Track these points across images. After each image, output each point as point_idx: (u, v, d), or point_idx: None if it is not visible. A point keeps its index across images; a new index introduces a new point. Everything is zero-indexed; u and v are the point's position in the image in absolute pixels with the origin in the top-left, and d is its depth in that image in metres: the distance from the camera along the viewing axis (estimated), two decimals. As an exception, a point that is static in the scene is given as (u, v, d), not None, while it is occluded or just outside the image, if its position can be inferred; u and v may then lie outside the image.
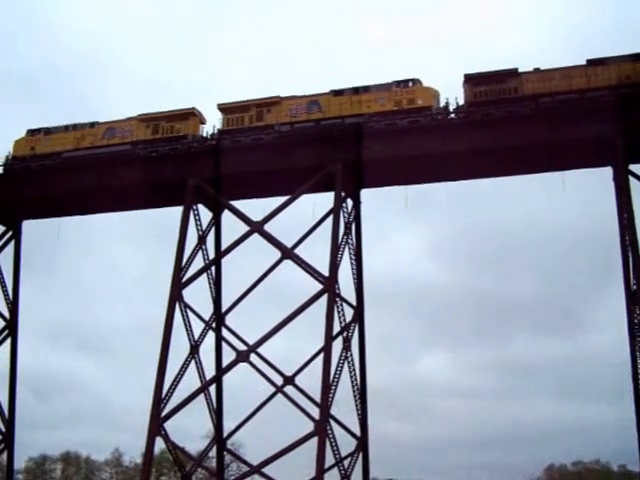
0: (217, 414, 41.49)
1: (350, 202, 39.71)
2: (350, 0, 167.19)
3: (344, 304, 38.58)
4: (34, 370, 67.85)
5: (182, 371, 39.87)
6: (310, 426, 34.32)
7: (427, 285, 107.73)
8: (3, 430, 44.02)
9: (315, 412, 35.04)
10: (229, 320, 40.65)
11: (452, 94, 38.84)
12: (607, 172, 37.02)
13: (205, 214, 41.48)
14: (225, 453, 43.40)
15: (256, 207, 39.80)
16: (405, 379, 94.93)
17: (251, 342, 37.70)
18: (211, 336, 41.05)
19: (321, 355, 35.68)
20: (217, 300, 41.69)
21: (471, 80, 38.59)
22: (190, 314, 39.95)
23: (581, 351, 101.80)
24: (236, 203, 40.03)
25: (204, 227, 41.13)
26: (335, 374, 37.13)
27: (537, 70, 38.19)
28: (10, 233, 45.57)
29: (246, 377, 38.51)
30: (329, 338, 35.51)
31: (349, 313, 38.92)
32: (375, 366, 40.05)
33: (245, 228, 38.83)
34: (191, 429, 52.49)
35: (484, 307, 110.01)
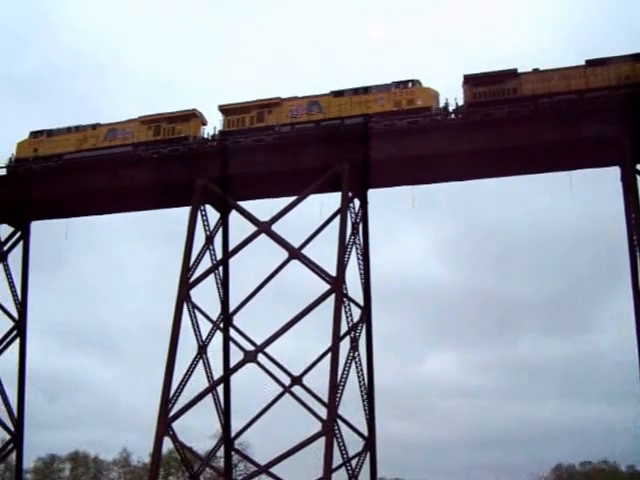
0: (225, 414, 41.58)
1: (357, 202, 39.77)
2: (350, 1, 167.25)
3: (351, 304, 38.63)
4: (42, 370, 68.21)
5: (190, 371, 39.98)
6: (318, 426, 34.37)
7: (433, 285, 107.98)
8: (12, 430, 44.17)
9: (323, 412, 35.07)
10: (237, 320, 40.75)
11: (452, 95, 39.05)
12: (612, 172, 37.08)
13: (213, 214, 41.64)
14: (233, 453, 43.50)
15: (263, 208, 40.01)
16: (410, 379, 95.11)
17: (259, 342, 37.76)
18: (219, 336, 41.18)
19: (328, 355, 35.71)
20: (225, 300, 41.77)
21: (470, 81, 38.62)
22: (198, 314, 40.04)
23: (588, 351, 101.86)
24: (243, 203, 40.12)
25: (212, 227, 41.22)
26: (342, 374, 37.16)
27: (536, 71, 38.18)
28: (19, 234, 45.76)
29: (254, 377, 38.69)
30: (336, 338, 35.55)
31: (356, 313, 38.97)
32: (380, 366, 40.12)
33: (252, 228, 38.90)
34: (199, 429, 52.75)
35: (489, 307, 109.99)
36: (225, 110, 42.43)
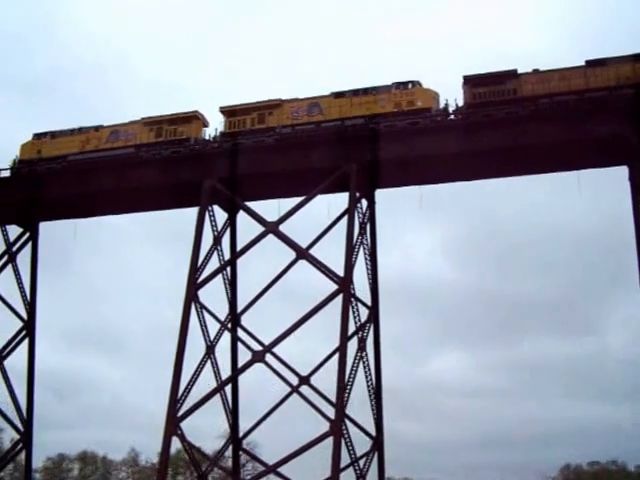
0: (233, 414, 41.67)
1: (365, 202, 39.80)
2: (351, 2, 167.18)
3: (359, 304, 38.66)
4: (50, 370, 68.41)
5: (198, 371, 40.09)
6: (325, 426, 34.37)
7: (439, 285, 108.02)
8: (21, 430, 44.36)
9: (330, 412, 35.08)
10: (244, 320, 40.90)
11: (452, 95, 39.10)
12: (618, 172, 37.00)
13: (220, 215, 41.72)
14: (241, 453, 43.56)
15: (269, 208, 40.09)
16: (416, 379, 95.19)
17: (266, 342, 37.83)
18: (227, 336, 41.25)
19: (336, 355, 35.73)
20: (232, 300, 41.86)
21: (470, 81, 38.60)
22: (206, 314, 40.10)
23: (593, 350, 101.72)
24: (251, 204, 40.17)
25: (219, 228, 41.29)
26: (350, 374, 37.20)
27: (536, 71, 38.10)
28: (27, 235, 45.94)
29: (262, 377, 38.69)
30: (344, 338, 35.57)
31: (364, 313, 39.00)
32: (386, 366, 40.12)
33: (260, 229, 38.93)
34: (207, 429, 52.85)
35: (495, 306, 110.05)
36: (226, 112, 42.60)
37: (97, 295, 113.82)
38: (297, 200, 38.92)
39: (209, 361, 40.73)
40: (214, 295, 40.81)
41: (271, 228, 38.57)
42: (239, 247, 41.07)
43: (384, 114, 39.33)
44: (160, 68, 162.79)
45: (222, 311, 41.22)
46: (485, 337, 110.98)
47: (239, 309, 41.18)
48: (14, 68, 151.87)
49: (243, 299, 41.29)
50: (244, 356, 38.81)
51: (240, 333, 40.35)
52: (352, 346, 37.52)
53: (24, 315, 45.28)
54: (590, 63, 37.16)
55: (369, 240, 40.15)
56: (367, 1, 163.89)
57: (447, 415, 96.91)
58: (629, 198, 36.06)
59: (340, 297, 36.19)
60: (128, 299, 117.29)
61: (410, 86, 39.71)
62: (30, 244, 45.85)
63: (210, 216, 40.66)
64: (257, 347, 38.23)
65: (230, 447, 42.53)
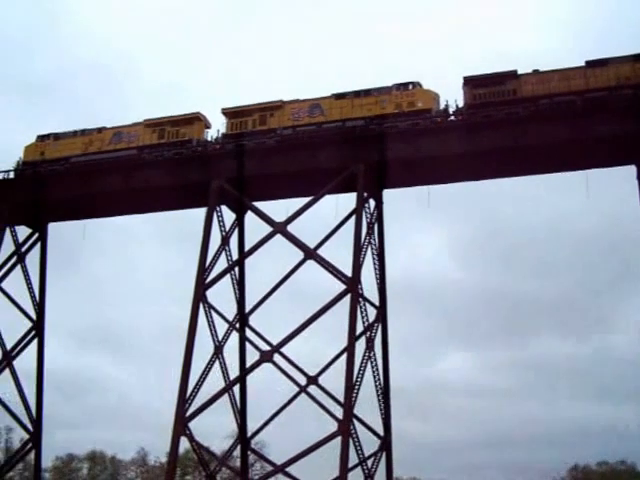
0: (241, 414, 41.77)
1: (372, 202, 39.83)
2: (351, 2, 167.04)
3: (367, 304, 38.70)
4: (59, 370, 68.75)
5: (206, 371, 40.22)
6: (333, 426, 34.41)
7: (445, 284, 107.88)
8: (31, 430, 44.59)
9: (339, 412, 35.13)
10: (253, 320, 40.99)
11: (452, 96, 39.11)
12: (621, 171, 36.95)
13: (228, 215, 41.82)
14: (249, 452, 43.63)
15: (277, 208, 40.16)
16: (423, 378, 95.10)
17: (274, 342, 37.91)
18: (235, 336, 41.34)
19: (344, 355, 35.77)
20: (241, 301, 41.92)
21: (470, 82, 38.59)
22: (214, 315, 40.21)
23: (601, 350, 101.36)
24: (259, 204, 40.26)
25: (227, 228, 41.37)
26: (358, 374, 37.22)
27: (536, 72, 38.05)
28: (36, 235, 46.18)
29: (270, 377, 38.73)
30: (352, 338, 35.61)
31: (372, 313, 39.04)
32: (393, 365, 40.15)
33: (268, 229, 39.00)
34: (215, 429, 52.95)
35: (502, 306, 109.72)
36: (228, 113, 42.72)
37: (104, 295, 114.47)
38: (305, 200, 38.99)
39: (217, 361, 40.85)
40: (222, 295, 40.97)
41: (279, 228, 38.64)
42: (247, 247, 41.16)
43: (385, 115, 39.42)
44: (161, 69, 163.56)
45: (230, 311, 41.39)
46: (490, 337, 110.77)
47: (247, 309, 41.26)
48: (15, 69, 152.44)
49: (251, 299, 41.45)
50: (252, 356, 38.96)
51: (248, 333, 40.43)
52: (360, 346, 37.63)
53: (33, 315, 45.56)
54: (590, 63, 37.07)
55: (377, 240, 40.19)
56: (367, 1, 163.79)
57: (451, 415, 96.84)
58: (633, 197, 36.10)
59: (348, 297, 36.24)
60: (135, 299, 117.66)
61: (410, 87, 39.78)
62: (39, 245, 46.13)
63: (218, 216, 40.75)
64: (265, 347, 38.33)
65: (238, 447, 42.66)
